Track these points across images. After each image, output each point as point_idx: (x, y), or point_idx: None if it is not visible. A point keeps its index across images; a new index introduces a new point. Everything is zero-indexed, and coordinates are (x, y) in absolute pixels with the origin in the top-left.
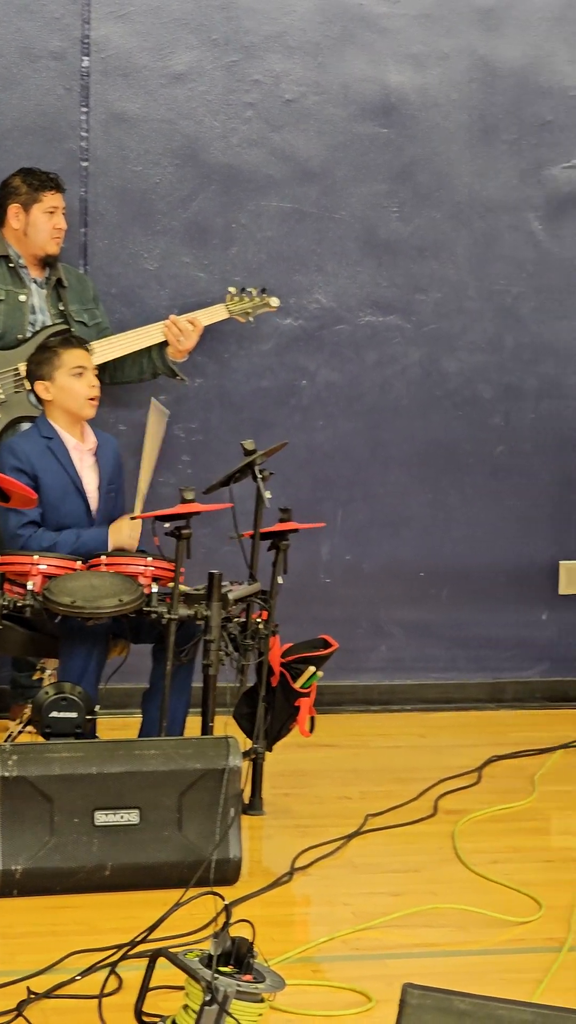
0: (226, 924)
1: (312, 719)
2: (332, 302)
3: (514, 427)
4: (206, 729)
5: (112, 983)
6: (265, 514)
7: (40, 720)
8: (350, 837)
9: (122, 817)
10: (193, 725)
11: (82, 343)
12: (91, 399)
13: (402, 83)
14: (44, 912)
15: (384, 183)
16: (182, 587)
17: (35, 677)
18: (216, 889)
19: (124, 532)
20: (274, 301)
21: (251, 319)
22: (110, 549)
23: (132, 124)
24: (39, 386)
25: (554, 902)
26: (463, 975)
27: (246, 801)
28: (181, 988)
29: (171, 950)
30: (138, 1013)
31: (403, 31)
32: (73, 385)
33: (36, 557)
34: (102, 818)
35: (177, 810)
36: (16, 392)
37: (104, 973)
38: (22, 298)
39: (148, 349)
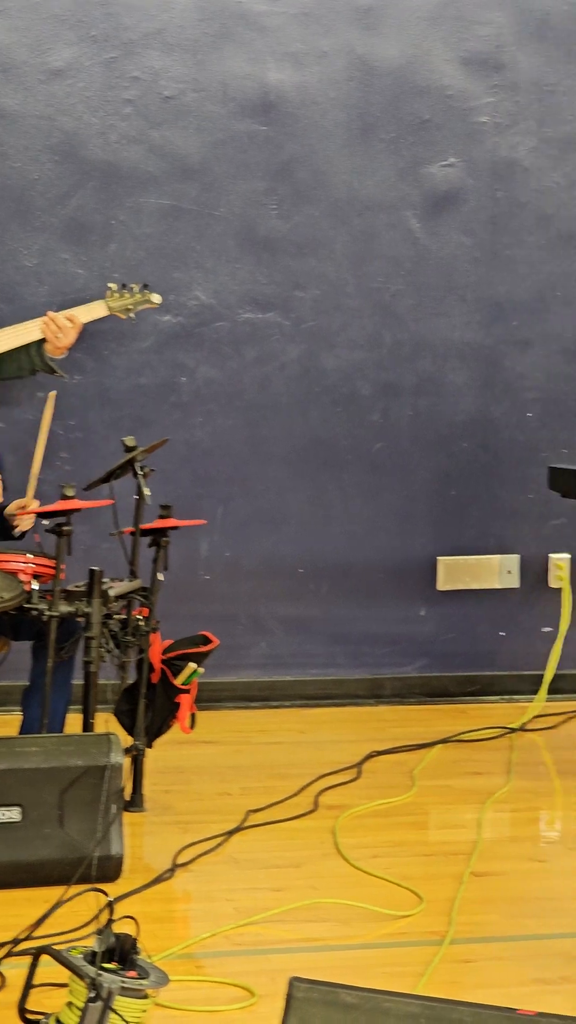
0: (109, 921)
1: (193, 716)
2: (211, 299)
3: (392, 424)
4: (87, 726)
5: None
6: (145, 511)
7: None
8: (231, 833)
9: (3, 815)
10: (74, 722)
11: None
12: None
13: (281, 81)
14: None
15: (263, 180)
16: (63, 584)
17: None
18: (98, 886)
19: None
20: (155, 298)
21: (132, 315)
22: None
23: (11, 120)
24: None
25: (434, 896)
26: (346, 969)
27: (127, 798)
28: (65, 985)
29: (54, 947)
30: (22, 1011)
31: (282, 29)
32: None
33: None
34: None
35: (59, 807)
36: None
37: None
38: None
39: (27, 346)
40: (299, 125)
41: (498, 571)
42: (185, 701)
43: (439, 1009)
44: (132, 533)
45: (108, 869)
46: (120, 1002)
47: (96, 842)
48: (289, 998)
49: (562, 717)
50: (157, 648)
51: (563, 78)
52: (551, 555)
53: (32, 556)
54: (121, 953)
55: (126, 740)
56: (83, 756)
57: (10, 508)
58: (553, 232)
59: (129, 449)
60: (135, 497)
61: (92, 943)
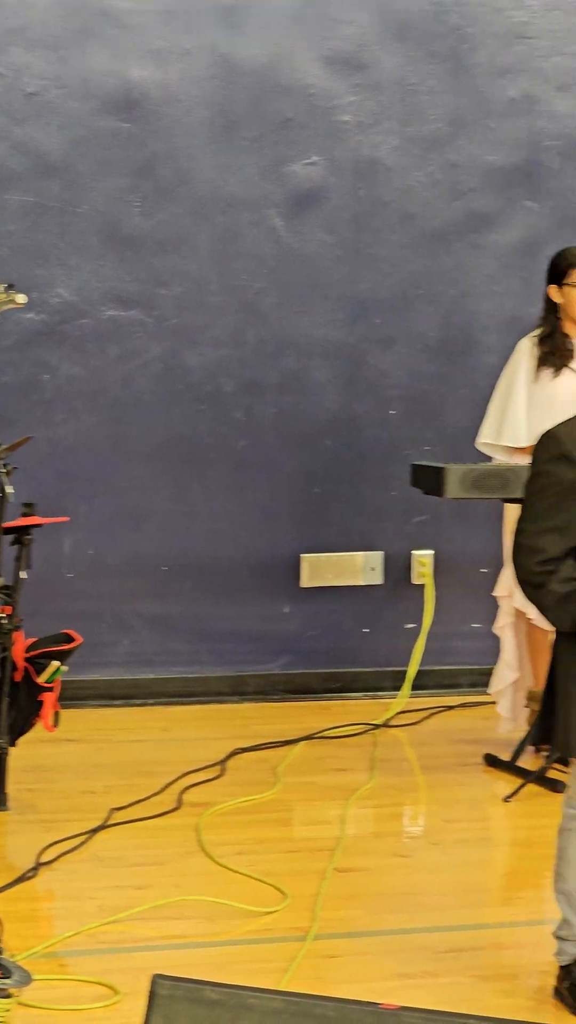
0: None
1: (56, 714)
2: (74, 296)
3: (256, 421)
4: None
5: None
6: (8, 509)
7: None
8: (95, 831)
9: None
10: None
11: None
12: None
13: (144, 78)
14: None
15: (126, 178)
16: None
17: None
18: None
19: None
20: (20, 298)
21: None
22: None
23: None
24: None
25: (298, 892)
26: (210, 966)
27: None
28: None
29: None
30: None
31: (145, 27)
32: None
33: None
34: None
35: None
36: None
37: None
38: None
39: None
40: (162, 123)
41: (361, 568)
42: (48, 699)
43: (302, 1004)
44: None
45: None
46: None
47: None
48: (152, 995)
49: (425, 713)
50: (20, 646)
51: (425, 78)
52: (414, 552)
53: None
54: None
55: None
56: None
57: None
58: (416, 231)
59: None
60: None
61: None
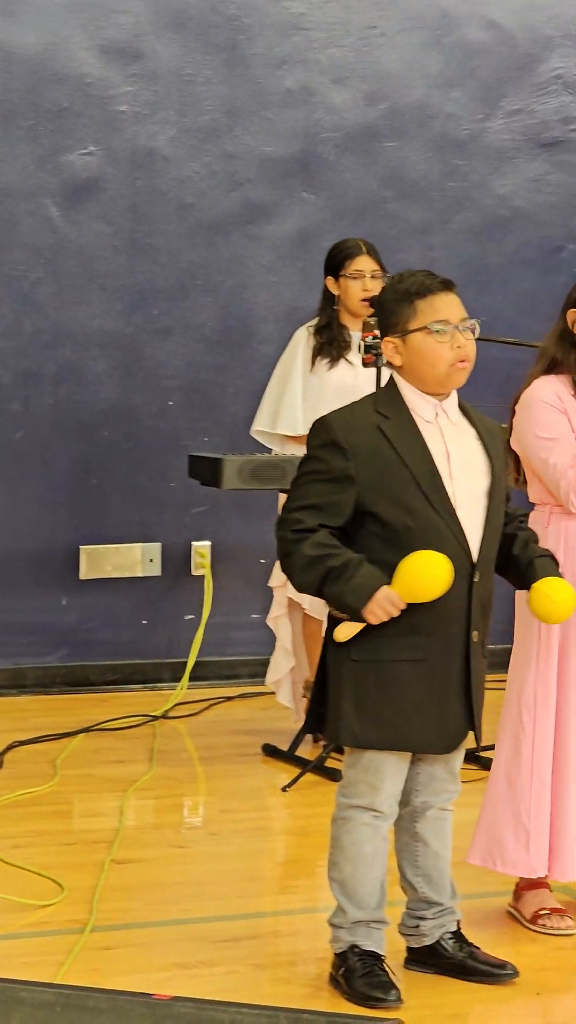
0: None
1: None
2: None
3: (33, 412)
4: None
5: None
6: None
7: None
8: None
9: None
10: None
11: None
12: None
13: None
14: None
15: None
16: None
17: None
18: None
19: None
20: None
21: None
22: None
23: None
24: None
25: (76, 884)
26: None
27: None
28: None
29: None
30: None
31: None
32: None
33: None
34: None
35: None
36: None
37: None
38: None
39: None
40: None
41: (140, 559)
42: None
43: (74, 997)
44: None
45: None
46: None
47: None
48: None
49: (203, 704)
50: None
51: (201, 68)
52: (193, 543)
53: None
54: None
55: None
56: None
57: None
58: (193, 221)
59: None
60: None
61: None
